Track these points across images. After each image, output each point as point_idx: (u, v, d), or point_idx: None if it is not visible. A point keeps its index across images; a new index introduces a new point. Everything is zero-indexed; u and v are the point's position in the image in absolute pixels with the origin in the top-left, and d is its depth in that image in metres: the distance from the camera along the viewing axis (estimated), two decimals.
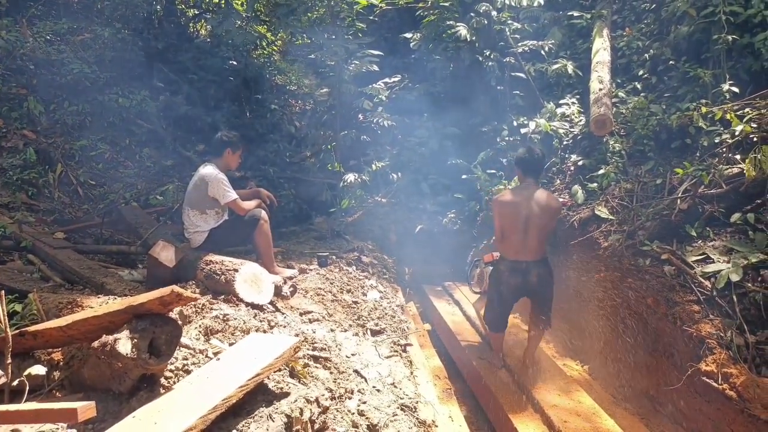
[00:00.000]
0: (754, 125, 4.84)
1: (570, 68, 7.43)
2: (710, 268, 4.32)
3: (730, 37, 5.78)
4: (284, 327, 3.39)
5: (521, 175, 4.29)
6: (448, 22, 7.92)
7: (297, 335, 3.22)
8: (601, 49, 6.98)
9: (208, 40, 10.54)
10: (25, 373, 2.22)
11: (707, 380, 3.74)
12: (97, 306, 2.97)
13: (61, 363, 2.53)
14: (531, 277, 4.06)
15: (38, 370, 2.28)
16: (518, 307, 4.62)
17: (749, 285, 4.06)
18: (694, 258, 4.51)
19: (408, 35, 8.76)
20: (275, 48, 10.81)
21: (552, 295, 4.24)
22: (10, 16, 7.89)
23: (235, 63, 9.72)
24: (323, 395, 2.63)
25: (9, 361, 2.22)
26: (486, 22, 7.76)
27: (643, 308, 4.62)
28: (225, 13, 8.65)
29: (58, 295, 3.51)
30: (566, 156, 6.88)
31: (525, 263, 4.06)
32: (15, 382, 2.19)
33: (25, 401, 2.14)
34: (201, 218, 4.50)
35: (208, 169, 4.47)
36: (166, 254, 4.19)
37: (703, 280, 4.29)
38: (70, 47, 8.08)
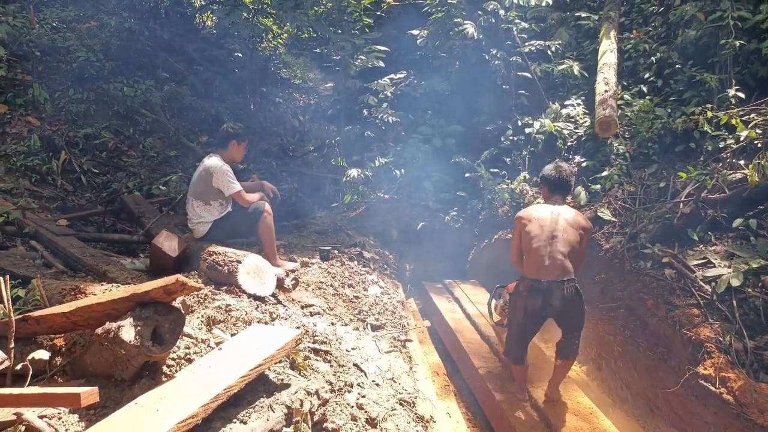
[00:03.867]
0: (759, 131, 4.85)
1: (576, 69, 7.43)
2: (711, 272, 4.34)
3: (737, 43, 5.77)
4: (286, 319, 3.41)
5: (547, 194, 3.85)
6: (455, 20, 7.90)
7: (298, 328, 3.23)
8: (607, 50, 6.97)
9: (214, 31, 10.54)
10: (29, 357, 2.23)
11: (705, 384, 3.76)
12: (101, 293, 2.98)
13: (64, 349, 2.54)
14: (553, 299, 3.49)
15: (41, 354, 2.29)
16: (548, 325, 4.04)
17: (749, 290, 4.07)
18: (695, 262, 4.52)
19: (415, 32, 8.74)
20: (281, 41, 10.79)
21: (581, 323, 3.69)
22: (17, 2, 7.89)
23: (240, 55, 9.73)
24: (323, 388, 2.64)
25: (12, 345, 2.23)
26: (493, 20, 7.75)
27: (642, 311, 4.64)
28: (232, 5, 8.63)
29: (61, 281, 3.52)
30: (570, 157, 6.88)
31: (546, 283, 3.50)
32: (18, 367, 2.20)
33: (28, 385, 2.15)
34: (205, 209, 4.51)
35: (213, 161, 4.47)
36: (169, 244, 4.20)
37: (703, 284, 4.30)
38: (77, 35, 8.08)
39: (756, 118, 5.05)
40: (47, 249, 4.73)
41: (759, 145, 4.81)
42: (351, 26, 8.42)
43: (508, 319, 3.92)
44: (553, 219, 3.62)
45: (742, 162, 4.94)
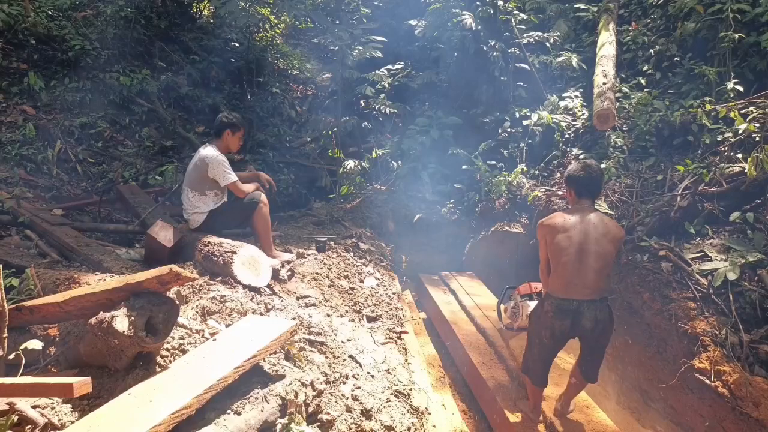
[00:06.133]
0: (757, 124, 4.84)
1: (574, 61, 7.40)
2: (708, 265, 4.34)
3: (736, 36, 5.75)
4: (281, 310, 3.40)
5: (574, 197, 3.35)
6: (453, 10, 7.85)
7: (293, 319, 3.23)
8: (606, 43, 6.94)
9: (211, 20, 10.44)
10: (22, 347, 2.21)
11: (700, 377, 3.77)
12: (95, 283, 2.96)
13: (57, 339, 2.53)
14: (584, 320, 3.14)
15: (34, 344, 2.27)
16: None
17: (746, 284, 4.08)
18: (692, 255, 4.53)
19: (413, 22, 8.69)
20: (278, 31, 10.71)
21: (606, 344, 3.36)
22: None
23: (237, 45, 9.64)
24: (318, 379, 2.64)
25: (5, 335, 2.22)
26: (492, 11, 7.70)
27: (638, 304, 4.64)
28: None
29: (55, 271, 3.50)
30: (567, 149, 6.86)
31: (577, 303, 3.13)
32: (11, 356, 2.19)
33: (21, 375, 2.14)
34: (200, 199, 4.49)
35: (208, 150, 4.44)
36: (164, 234, 4.18)
37: (700, 278, 4.31)
38: (72, 23, 8.00)
39: (754, 111, 5.04)
40: (42, 238, 4.71)
41: (757, 138, 4.80)
42: (349, 16, 8.35)
43: (529, 339, 3.52)
44: (584, 229, 3.17)
45: (739, 155, 4.93)
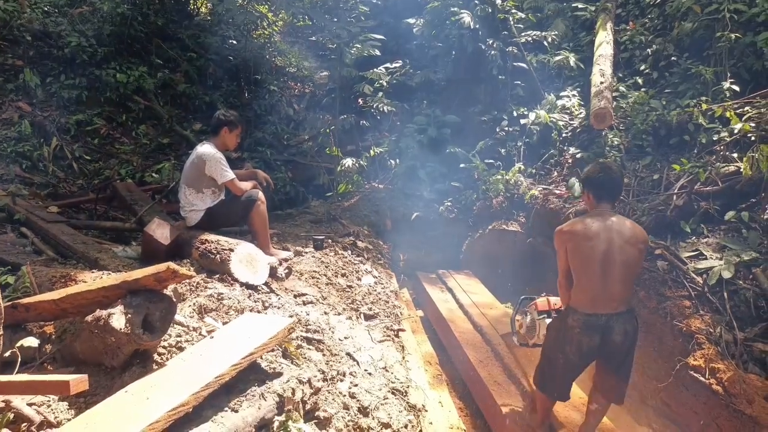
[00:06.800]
0: (753, 124, 4.86)
1: (572, 60, 7.41)
2: (703, 264, 4.36)
3: (733, 35, 5.77)
4: (278, 308, 3.40)
5: (592, 201, 3.11)
6: (452, 9, 7.85)
7: (291, 317, 3.23)
8: (604, 42, 6.95)
9: (209, 18, 10.41)
10: (17, 344, 2.21)
11: (695, 374, 3.79)
12: (91, 281, 2.95)
13: (53, 336, 2.52)
14: (614, 335, 2.91)
15: (30, 342, 2.27)
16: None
17: (741, 282, 4.10)
18: (688, 254, 4.55)
19: (411, 20, 8.68)
20: (276, 28, 10.69)
21: (633, 357, 3.12)
22: None
23: (235, 42, 9.61)
24: (315, 377, 2.64)
25: (1, 332, 2.21)
26: (490, 10, 7.70)
27: (634, 302, 4.65)
28: None
29: (51, 268, 3.49)
30: (565, 148, 6.88)
31: (605, 317, 2.90)
32: (7, 354, 2.19)
33: (17, 373, 2.13)
34: (197, 197, 4.48)
35: (205, 148, 4.43)
36: (161, 232, 4.17)
37: (695, 276, 4.33)
38: (68, 20, 7.97)
39: (750, 111, 5.06)
40: (38, 236, 4.69)
41: (752, 138, 4.82)
42: (347, 14, 8.33)
43: (547, 354, 3.26)
44: (607, 236, 2.92)
45: (735, 155, 4.96)
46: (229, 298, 3.20)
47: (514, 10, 7.90)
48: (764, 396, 3.44)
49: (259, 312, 3.22)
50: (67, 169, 6.66)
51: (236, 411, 2.09)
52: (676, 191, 5.03)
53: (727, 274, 4.12)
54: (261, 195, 4.53)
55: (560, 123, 7.03)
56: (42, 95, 7.12)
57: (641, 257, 3.01)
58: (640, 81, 6.82)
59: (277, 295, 3.71)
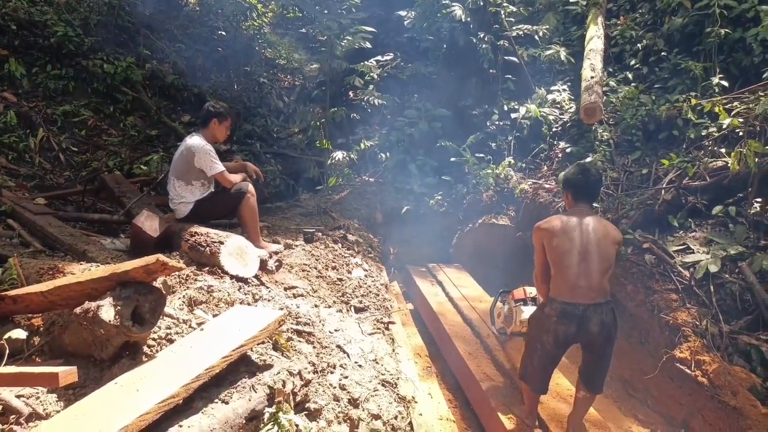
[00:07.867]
0: (741, 120, 4.91)
1: (563, 54, 7.43)
2: (690, 258, 4.41)
3: (722, 31, 5.82)
4: (268, 301, 3.39)
5: (571, 200, 3.27)
6: (443, 1, 7.83)
7: (281, 309, 3.22)
8: (594, 36, 6.98)
9: (197, 8, 10.30)
10: (5, 337, 2.18)
11: (681, 367, 3.85)
12: (79, 273, 2.93)
13: (42, 328, 2.50)
14: (590, 325, 3.01)
15: (18, 334, 2.25)
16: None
17: (727, 276, 4.16)
18: (675, 248, 4.60)
19: (402, 13, 8.65)
20: (266, 20, 10.60)
21: (612, 350, 3.22)
22: None
23: (224, 33, 9.54)
24: (306, 369, 2.64)
25: None
26: (481, 3, 7.69)
27: (622, 295, 4.71)
28: None
29: (38, 260, 3.45)
30: (555, 143, 6.91)
31: (583, 307, 3.00)
32: None
33: (5, 365, 2.11)
34: (187, 189, 4.44)
35: (194, 140, 4.39)
36: (150, 224, 4.14)
37: (682, 270, 4.38)
38: (55, 9, 7.85)
39: (738, 106, 5.10)
40: (24, 228, 4.63)
41: (740, 133, 4.87)
42: (337, 6, 8.29)
43: (529, 344, 3.39)
44: (584, 231, 3.08)
45: (723, 150, 5.01)
46: (219, 291, 3.18)
47: (505, 4, 7.90)
48: (748, 387, 3.50)
49: (249, 304, 3.22)
50: (53, 161, 6.58)
51: (227, 402, 2.08)
52: (664, 186, 5.08)
53: (713, 268, 4.17)
54: (251, 187, 4.51)
55: (550, 117, 7.05)
56: (28, 85, 7.02)
57: (615, 255, 3.14)
58: (630, 76, 6.86)
59: (267, 287, 3.70)
